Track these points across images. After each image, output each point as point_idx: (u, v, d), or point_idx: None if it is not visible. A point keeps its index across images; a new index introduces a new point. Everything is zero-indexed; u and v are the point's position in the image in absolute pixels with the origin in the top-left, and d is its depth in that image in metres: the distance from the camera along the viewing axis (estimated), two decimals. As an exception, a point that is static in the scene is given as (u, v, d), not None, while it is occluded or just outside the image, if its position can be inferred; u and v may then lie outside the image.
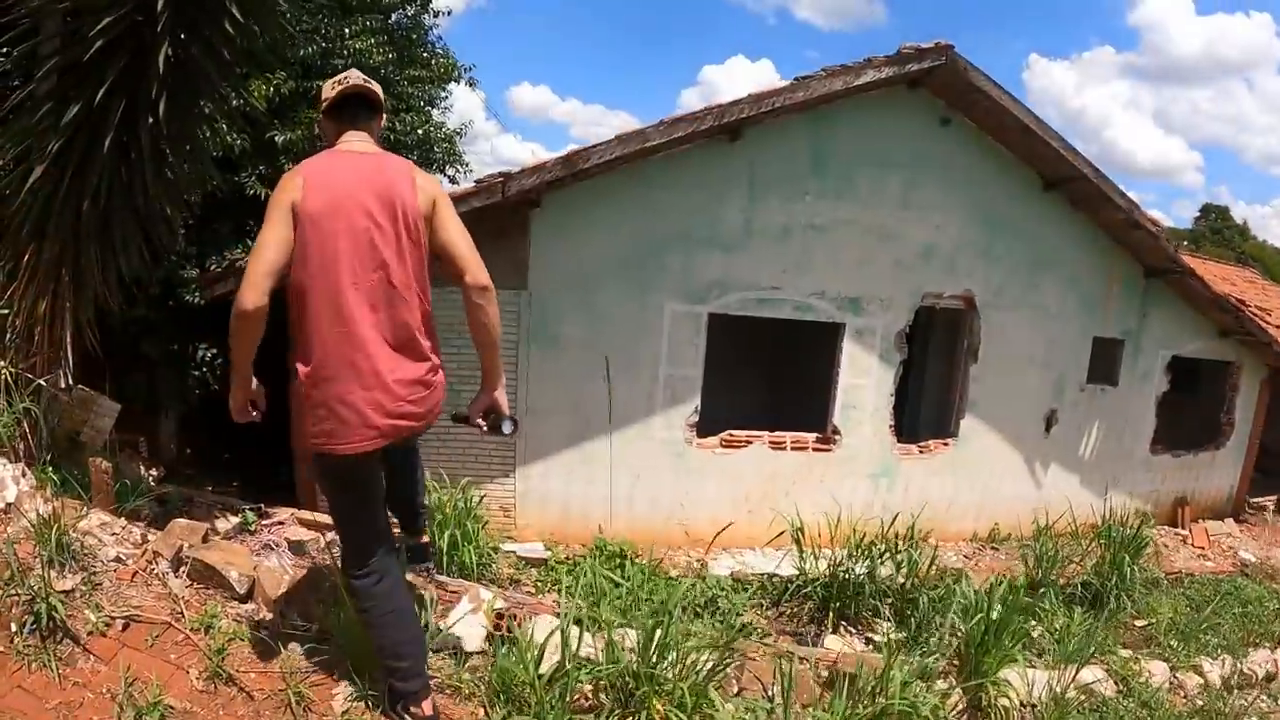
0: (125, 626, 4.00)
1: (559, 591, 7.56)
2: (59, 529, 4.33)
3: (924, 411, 11.32)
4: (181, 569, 4.64)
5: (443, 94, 13.13)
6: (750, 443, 9.45)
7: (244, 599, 4.58)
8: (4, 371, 6.12)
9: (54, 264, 5.91)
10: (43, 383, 5.98)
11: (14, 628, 3.71)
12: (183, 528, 4.97)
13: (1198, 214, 56.70)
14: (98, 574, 4.39)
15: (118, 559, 4.61)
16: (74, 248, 5.89)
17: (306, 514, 7.79)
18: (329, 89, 3.65)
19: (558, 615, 4.61)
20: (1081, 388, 11.46)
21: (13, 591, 3.87)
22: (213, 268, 9.19)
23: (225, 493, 10.12)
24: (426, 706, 3.65)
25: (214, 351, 9.64)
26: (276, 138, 9.55)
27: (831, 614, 7.81)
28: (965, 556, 9.44)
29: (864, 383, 9.58)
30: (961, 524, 9.83)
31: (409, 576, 4.71)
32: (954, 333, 10.83)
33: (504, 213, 8.94)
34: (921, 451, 9.68)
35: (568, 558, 8.25)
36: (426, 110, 12.35)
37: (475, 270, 3.58)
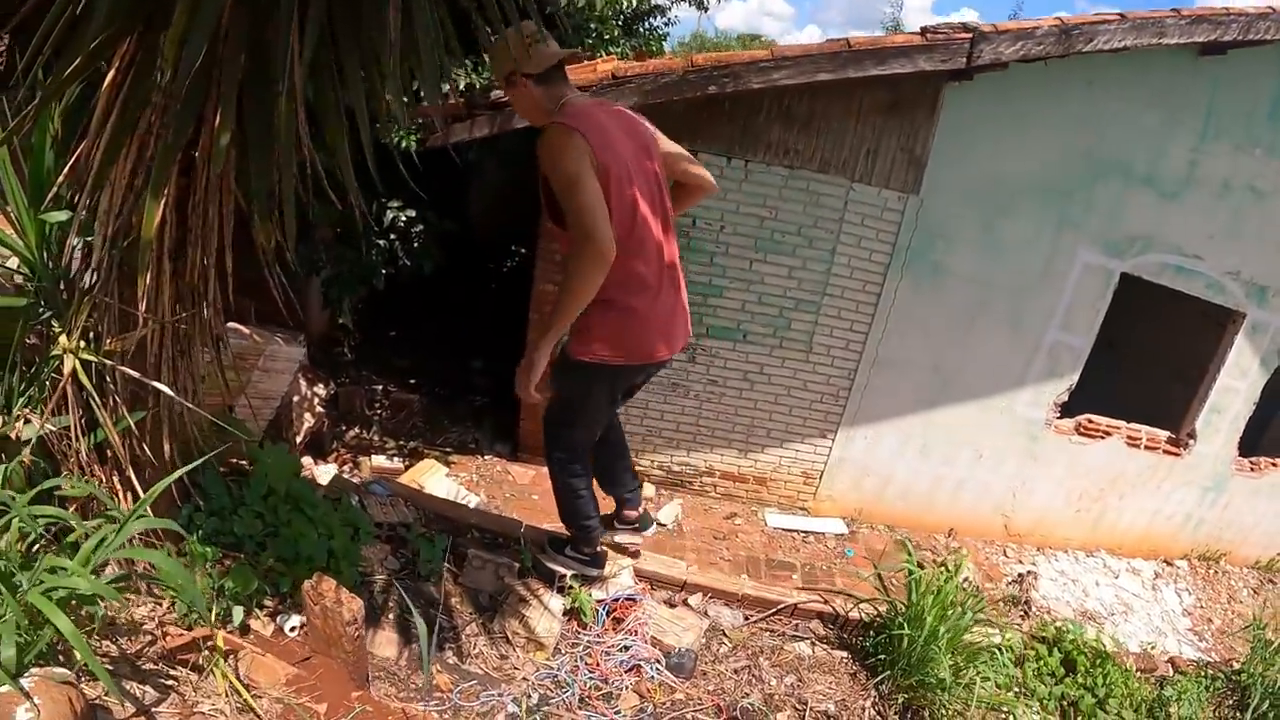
0: None
1: None
2: None
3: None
4: None
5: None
6: (1110, 434, 5.34)
7: None
8: (71, 361, 1.55)
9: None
10: (165, 389, 1.86)
11: None
12: None
13: None
14: None
15: None
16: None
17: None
18: (531, 54, 2.25)
19: None
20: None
21: None
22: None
23: (403, 403, 5.37)
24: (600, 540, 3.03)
25: (410, 214, 4.62)
26: None
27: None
28: (1253, 590, 5.93)
29: (1238, 386, 5.48)
30: (1252, 550, 6.07)
31: None
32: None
33: (909, 83, 4.23)
34: (1253, 469, 5.95)
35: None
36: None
37: (710, 176, 2.70)
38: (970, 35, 3.98)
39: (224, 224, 1.93)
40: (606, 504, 3.17)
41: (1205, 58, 4.61)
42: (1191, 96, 4.72)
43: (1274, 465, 5.83)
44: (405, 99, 1.84)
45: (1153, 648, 4.77)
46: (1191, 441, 5.50)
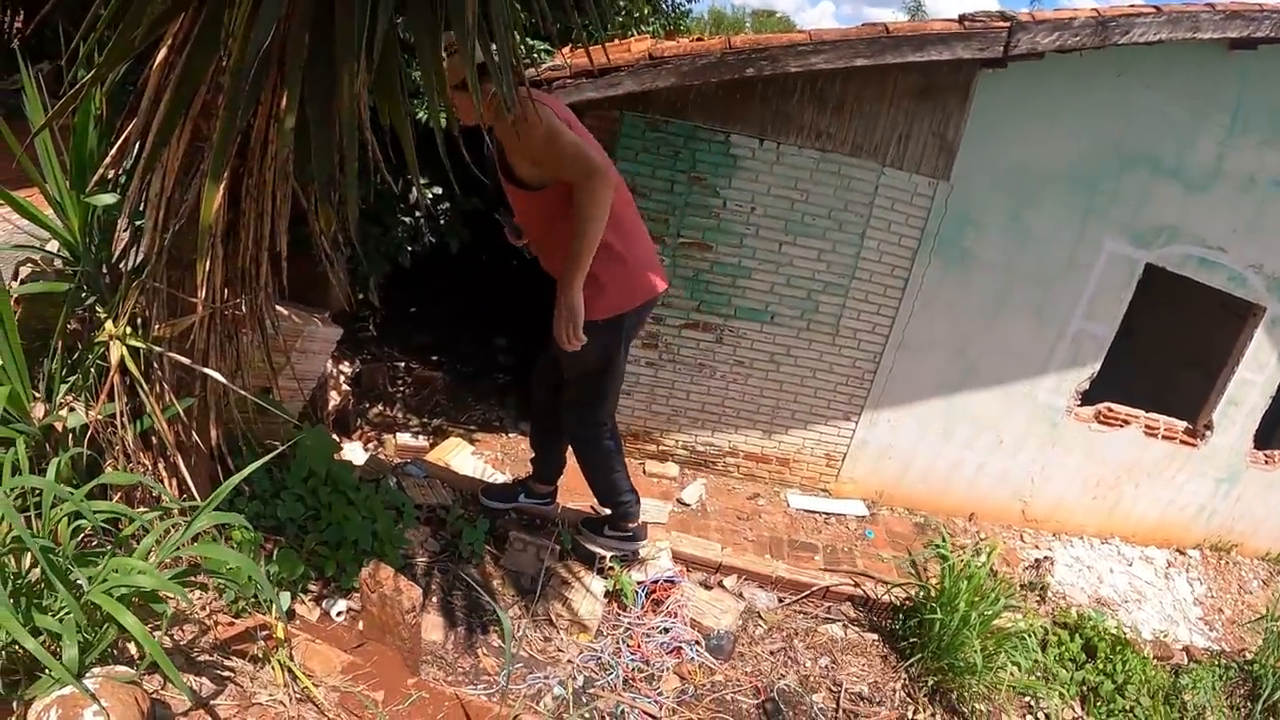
0: None
1: None
2: None
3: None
4: None
5: None
6: (1129, 422, 5.27)
7: None
8: (118, 348, 1.29)
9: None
10: (216, 376, 1.78)
11: None
12: None
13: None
14: None
15: None
16: None
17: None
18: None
19: None
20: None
21: None
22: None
23: (426, 380, 5.27)
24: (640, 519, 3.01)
25: (437, 191, 4.51)
26: None
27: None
28: (1263, 582, 5.90)
29: (1256, 379, 5.38)
30: (1263, 542, 6.05)
31: None
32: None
33: (943, 69, 4.17)
34: (1267, 462, 5.89)
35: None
36: None
37: None
38: (1008, 24, 3.86)
39: (280, 208, 1.82)
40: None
41: (1235, 52, 4.47)
42: (1220, 90, 4.59)
43: (1287, 456, 5.77)
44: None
45: (1165, 635, 4.75)
46: (1208, 432, 5.43)
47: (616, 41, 4.36)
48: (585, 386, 2.71)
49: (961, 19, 3.92)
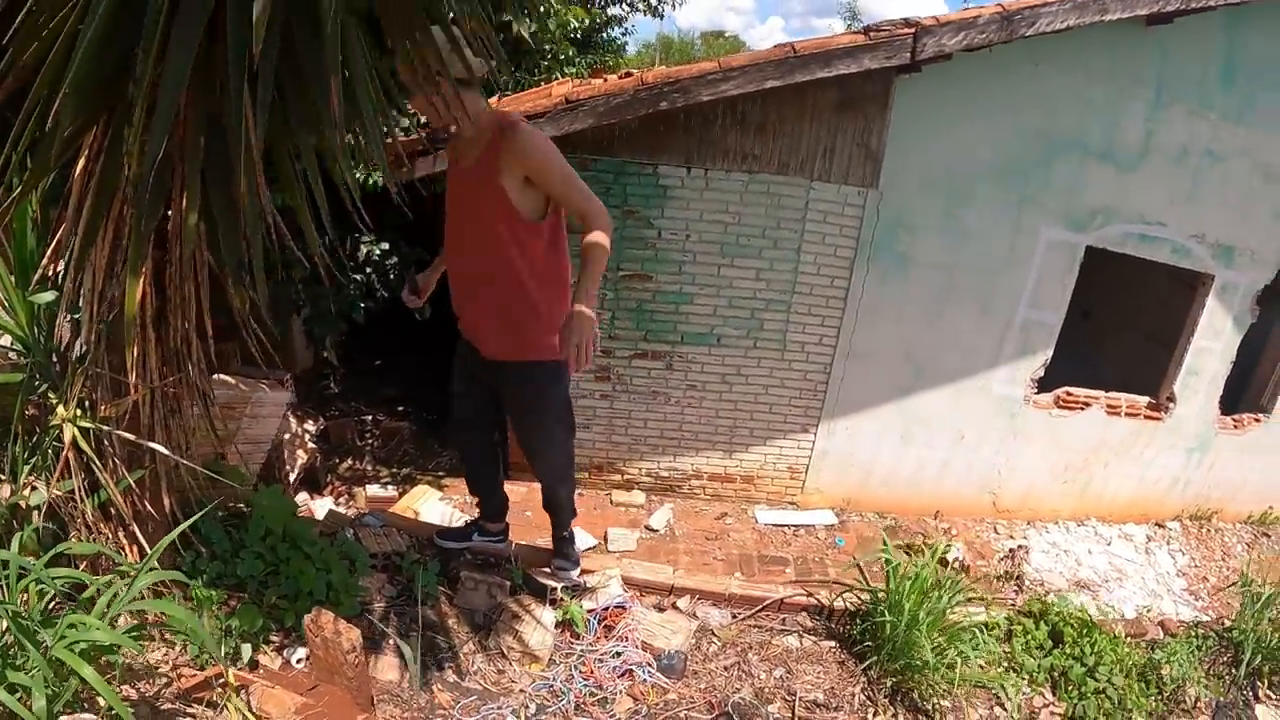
0: None
1: None
2: None
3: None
4: None
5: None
6: (1089, 405, 5.53)
7: None
8: (70, 429, 1.68)
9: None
10: (160, 449, 2.08)
11: None
12: None
13: None
14: None
15: None
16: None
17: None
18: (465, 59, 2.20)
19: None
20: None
21: None
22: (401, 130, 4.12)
23: (393, 431, 5.54)
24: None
25: (383, 247, 4.83)
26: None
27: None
28: (1247, 545, 6.12)
29: (1213, 346, 5.67)
30: (1243, 505, 6.32)
31: None
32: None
33: (859, 80, 4.46)
34: (1235, 426, 6.14)
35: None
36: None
37: None
38: (913, 30, 4.16)
39: (200, 292, 2.11)
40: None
41: (1152, 27, 4.72)
42: (1141, 67, 4.85)
43: (1256, 420, 6.02)
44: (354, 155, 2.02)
45: (1148, 611, 4.96)
46: (1171, 405, 5.68)
47: (539, 86, 4.69)
48: (562, 417, 2.90)
49: (866, 30, 4.23)
